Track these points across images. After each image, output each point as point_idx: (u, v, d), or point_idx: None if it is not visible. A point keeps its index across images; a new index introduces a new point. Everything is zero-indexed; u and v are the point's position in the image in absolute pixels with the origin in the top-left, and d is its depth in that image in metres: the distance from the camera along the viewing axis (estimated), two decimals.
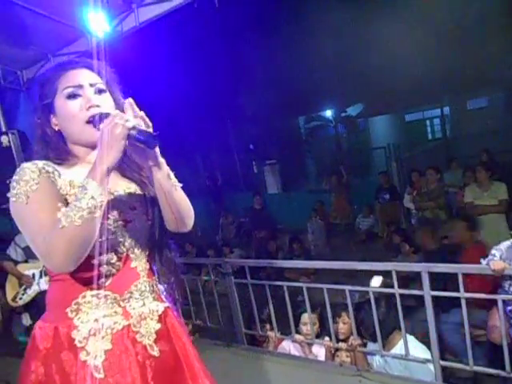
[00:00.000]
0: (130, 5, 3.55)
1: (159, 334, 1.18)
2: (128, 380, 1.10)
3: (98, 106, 1.13)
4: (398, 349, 2.52)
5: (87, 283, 1.12)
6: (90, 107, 1.12)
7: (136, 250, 1.20)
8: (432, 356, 2.38)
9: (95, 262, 1.10)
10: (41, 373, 1.10)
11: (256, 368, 2.69)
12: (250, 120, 12.48)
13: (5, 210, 3.43)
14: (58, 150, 1.18)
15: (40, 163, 1.09)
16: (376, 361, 2.65)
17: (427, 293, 2.34)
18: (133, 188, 1.24)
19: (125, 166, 1.25)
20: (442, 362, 2.38)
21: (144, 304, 1.19)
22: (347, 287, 2.64)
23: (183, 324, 1.36)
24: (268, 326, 3.20)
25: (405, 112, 14.68)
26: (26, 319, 3.76)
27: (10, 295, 3.55)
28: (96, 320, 1.11)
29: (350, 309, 2.69)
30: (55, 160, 1.16)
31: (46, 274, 3.51)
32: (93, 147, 1.14)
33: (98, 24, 3.64)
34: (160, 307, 1.22)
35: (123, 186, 1.23)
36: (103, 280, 1.13)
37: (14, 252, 3.59)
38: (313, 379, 2.60)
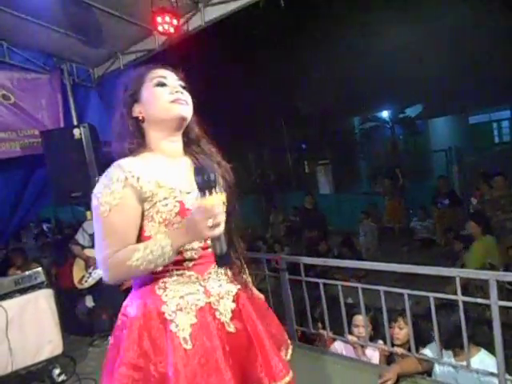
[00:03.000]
0: (197, 4, 3.66)
1: (234, 312, 1.28)
2: (211, 351, 1.19)
3: (182, 92, 1.28)
4: (477, 363, 2.38)
5: (174, 265, 1.23)
6: (176, 91, 1.27)
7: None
8: (498, 369, 2.24)
9: (181, 248, 1.21)
10: (133, 340, 1.20)
11: (308, 365, 2.68)
12: (303, 119, 12.42)
13: (75, 199, 3.67)
14: (135, 137, 1.28)
15: (126, 168, 1.19)
16: (440, 369, 2.53)
17: (494, 302, 2.21)
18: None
19: (199, 153, 1.36)
20: (508, 377, 2.23)
21: (221, 285, 1.30)
22: (406, 291, 2.55)
23: (257, 302, 1.45)
24: (320, 325, 3.18)
25: (469, 114, 13.89)
26: (89, 301, 4.02)
27: (76, 277, 3.80)
28: (181, 297, 1.23)
29: (408, 314, 2.60)
30: (131, 149, 1.27)
31: None
32: (175, 131, 1.29)
33: (165, 23, 3.79)
34: (233, 288, 1.33)
35: None
36: (187, 263, 1.25)
37: (81, 237, 3.84)
38: (365, 381, 2.54)
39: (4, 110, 4.26)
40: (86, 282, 3.75)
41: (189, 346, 1.18)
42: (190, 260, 1.25)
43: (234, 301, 1.30)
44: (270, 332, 1.38)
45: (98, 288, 3.77)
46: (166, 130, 1.28)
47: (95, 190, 1.19)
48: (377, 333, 2.98)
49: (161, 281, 1.24)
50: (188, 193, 1.24)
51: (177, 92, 1.27)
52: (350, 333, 2.95)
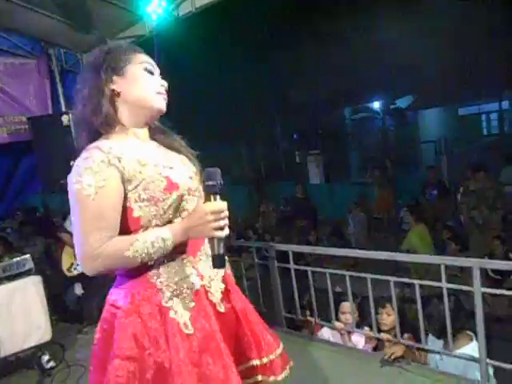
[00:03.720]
0: None
1: (223, 293, 1.31)
2: (211, 334, 1.21)
3: (166, 88, 1.29)
4: (469, 351, 2.44)
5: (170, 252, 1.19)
6: (162, 86, 1.28)
7: None
8: (479, 354, 2.31)
9: None
10: (126, 331, 1.16)
11: (295, 351, 2.72)
12: (295, 109, 12.39)
13: (64, 186, 3.66)
14: (109, 114, 1.22)
15: (105, 150, 1.14)
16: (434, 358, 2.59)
17: (477, 289, 2.26)
18: (184, 159, 1.34)
19: (167, 140, 1.36)
20: (489, 361, 2.30)
21: (210, 266, 1.24)
22: (392, 278, 2.60)
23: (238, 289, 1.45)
24: (307, 313, 3.22)
25: (458, 105, 13.99)
26: (78, 289, 4.01)
27: (65, 265, 3.79)
28: (176, 282, 1.21)
29: (394, 301, 2.65)
30: (103, 127, 1.22)
31: None
32: (147, 122, 1.29)
33: (155, 9, 3.74)
34: (221, 270, 1.30)
35: (178, 158, 1.32)
36: (181, 247, 1.21)
37: (70, 224, 3.80)
38: (351, 366, 2.60)
39: None
40: (75, 269, 3.74)
41: (190, 331, 1.18)
42: (183, 244, 1.22)
43: (223, 281, 1.31)
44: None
45: (88, 276, 3.75)
46: (141, 116, 1.27)
47: (74, 174, 1.12)
48: (363, 319, 3.04)
49: (153, 268, 1.20)
50: (171, 168, 1.22)
51: (162, 86, 1.28)
52: (338, 320, 3.00)
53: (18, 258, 3.03)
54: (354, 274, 2.83)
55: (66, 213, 4.21)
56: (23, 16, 3.89)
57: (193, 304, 1.21)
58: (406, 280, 2.57)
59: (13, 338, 2.84)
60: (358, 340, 2.93)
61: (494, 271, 3.50)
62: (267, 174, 11.62)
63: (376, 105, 13.97)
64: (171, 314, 1.17)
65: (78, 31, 4.30)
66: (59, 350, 3.23)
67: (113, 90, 1.22)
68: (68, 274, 3.80)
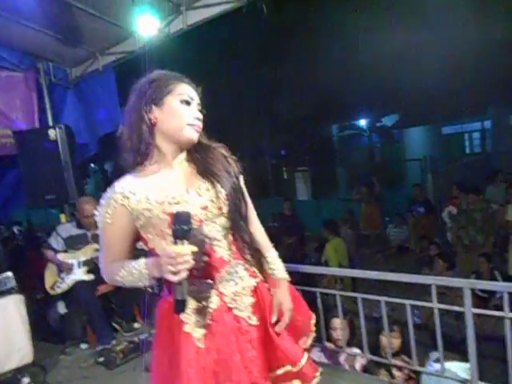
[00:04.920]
0: (179, 7, 3.63)
1: (254, 306, 1.38)
2: (226, 349, 1.29)
3: (200, 120, 1.38)
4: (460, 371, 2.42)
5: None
6: (196, 118, 1.37)
7: (218, 242, 1.37)
8: (471, 375, 2.29)
9: None
10: (161, 339, 1.37)
11: None
12: (282, 126, 12.49)
13: (49, 201, 3.58)
14: (148, 143, 1.34)
15: (118, 190, 1.32)
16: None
17: (468, 310, 2.26)
18: (204, 186, 1.37)
19: (201, 160, 1.41)
20: (481, 383, 2.29)
21: (236, 283, 1.37)
22: (383, 298, 2.58)
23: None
24: None
25: (442, 124, 14.31)
26: (61, 307, 3.87)
27: (48, 283, 3.67)
28: (197, 300, 1.32)
29: (385, 320, 2.63)
30: (143, 152, 1.35)
31: (84, 265, 3.61)
32: (182, 148, 1.39)
33: (146, 25, 3.74)
34: (251, 283, 1.40)
35: (195, 186, 1.37)
36: (196, 271, 1.26)
37: (55, 241, 3.71)
38: None
39: None
40: (58, 287, 3.62)
41: (202, 345, 1.29)
42: (199, 268, 1.28)
43: (252, 295, 1.39)
44: (294, 318, 1.45)
45: (71, 294, 3.65)
46: (173, 144, 1.37)
47: (98, 208, 1.36)
48: (353, 336, 3.01)
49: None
50: (177, 203, 1.30)
51: (197, 119, 1.36)
52: (328, 339, 2.97)
53: (0, 277, 2.93)
54: (344, 293, 2.81)
55: (50, 228, 4.13)
56: (11, 29, 3.86)
57: (209, 321, 1.31)
58: (397, 300, 2.56)
59: None
60: (348, 358, 2.89)
61: (481, 289, 3.53)
62: (254, 190, 11.59)
63: (362, 122, 14.19)
64: (186, 328, 1.29)
65: (67, 45, 4.29)
66: (40, 372, 3.11)
67: (150, 119, 1.33)
68: (51, 292, 3.68)
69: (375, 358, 2.73)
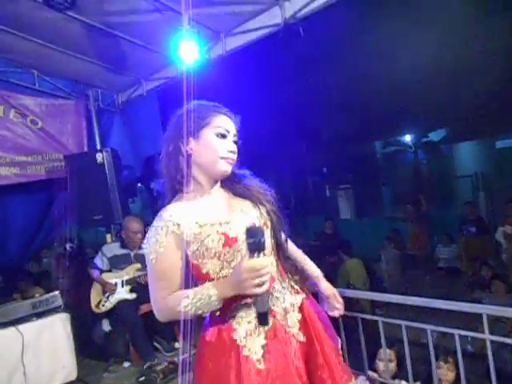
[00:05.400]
0: (219, 34, 3.74)
1: (301, 322, 1.39)
2: (284, 366, 1.29)
3: (234, 152, 1.40)
4: None
5: (237, 295, 1.29)
6: (231, 151, 1.38)
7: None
8: None
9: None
10: (210, 367, 1.32)
11: None
12: (325, 144, 12.38)
13: (97, 221, 3.72)
14: (184, 173, 1.37)
15: (166, 218, 1.29)
16: None
17: None
18: (246, 205, 1.42)
19: (237, 186, 1.45)
20: None
21: (284, 300, 1.38)
22: (429, 327, 2.43)
23: (320, 310, 1.54)
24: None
25: (496, 138, 13.56)
26: (106, 325, 3.99)
27: (94, 301, 3.79)
28: (249, 322, 1.32)
29: (432, 350, 2.46)
30: (181, 183, 1.37)
31: (127, 284, 3.71)
32: (216, 180, 1.41)
33: (188, 52, 3.87)
34: (297, 299, 1.42)
35: (239, 206, 1.41)
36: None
37: (100, 261, 3.85)
38: None
39: (31, 135, 4.42)
40: (103, 306, 3.74)
41: (262, 366, 1.27)
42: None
43: (299, 311, 1.40)
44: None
45: (116, 312, 3.75)
46: (207, 176, 1.39)
47: (146, 240, 1.32)
48: (401, 368, 2.84)
49: (229, 309, 1.32)
50: (227, 223, 1.32)
51: (231, 152, 1.38)
52: (372, 369, 2.82)
53: (47, 295, 3.06)
54: (387, 320, 2.67)
55: (98, 246, 4.29)
56: (63, 60, 4.14)
57: (265, 341, 1.30)
58: (444, 329, 2.39)
59: (38, 377, 2.83)
60: None
61: None
62: (297, 209, 11.52)
63: (407, 138, 13.74)
64: (245, 352, 1.28)
65: (115, 73, 4.53)
66: None
67: (187, 151, 1.36)
68: (96, 310, 3.80)
69: None
